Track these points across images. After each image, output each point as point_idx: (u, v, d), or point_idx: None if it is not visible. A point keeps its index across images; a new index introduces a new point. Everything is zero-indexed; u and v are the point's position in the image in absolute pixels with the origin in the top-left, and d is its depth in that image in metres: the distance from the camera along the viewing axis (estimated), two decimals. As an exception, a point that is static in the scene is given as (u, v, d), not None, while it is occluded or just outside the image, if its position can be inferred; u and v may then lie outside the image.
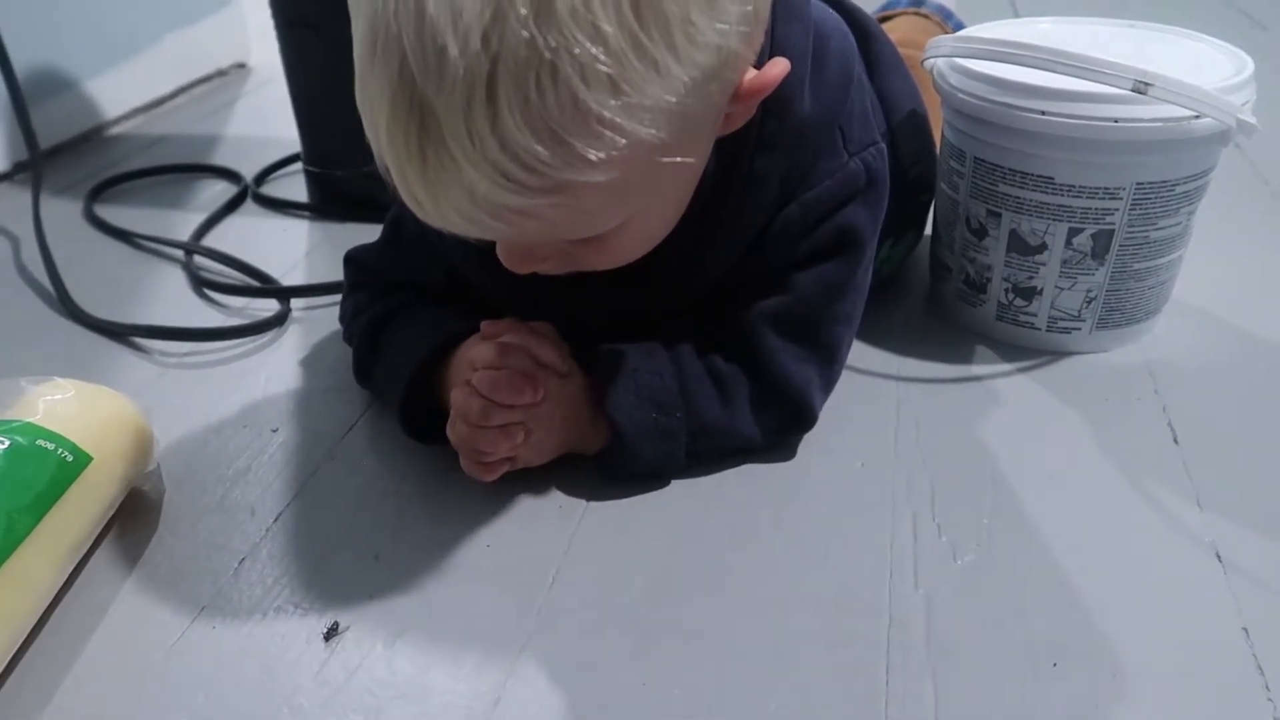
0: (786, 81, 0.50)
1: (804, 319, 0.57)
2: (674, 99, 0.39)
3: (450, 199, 0.40)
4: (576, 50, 0.36)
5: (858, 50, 0.58)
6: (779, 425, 0.58)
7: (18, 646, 0.46)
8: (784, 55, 0.47)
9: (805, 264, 0.56)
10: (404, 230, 0.62)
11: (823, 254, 0.56)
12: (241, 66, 1.34)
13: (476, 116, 0.37)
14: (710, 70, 0.40)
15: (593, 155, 0.38)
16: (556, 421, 0.54)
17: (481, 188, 0.39)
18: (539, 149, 0.38)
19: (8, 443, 0.49)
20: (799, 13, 0.51)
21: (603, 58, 0.37)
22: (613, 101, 0.38)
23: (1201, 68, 0.62)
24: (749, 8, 0.41)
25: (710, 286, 0.57)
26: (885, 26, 0.82)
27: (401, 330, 0.60)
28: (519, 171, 0.38)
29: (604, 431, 0.55)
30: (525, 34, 0.36)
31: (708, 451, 0.57)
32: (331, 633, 0.48)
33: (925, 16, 0.91)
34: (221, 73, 1.31)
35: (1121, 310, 0.66)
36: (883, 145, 0.57)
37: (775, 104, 0.50)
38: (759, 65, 0.46)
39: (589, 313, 0.58)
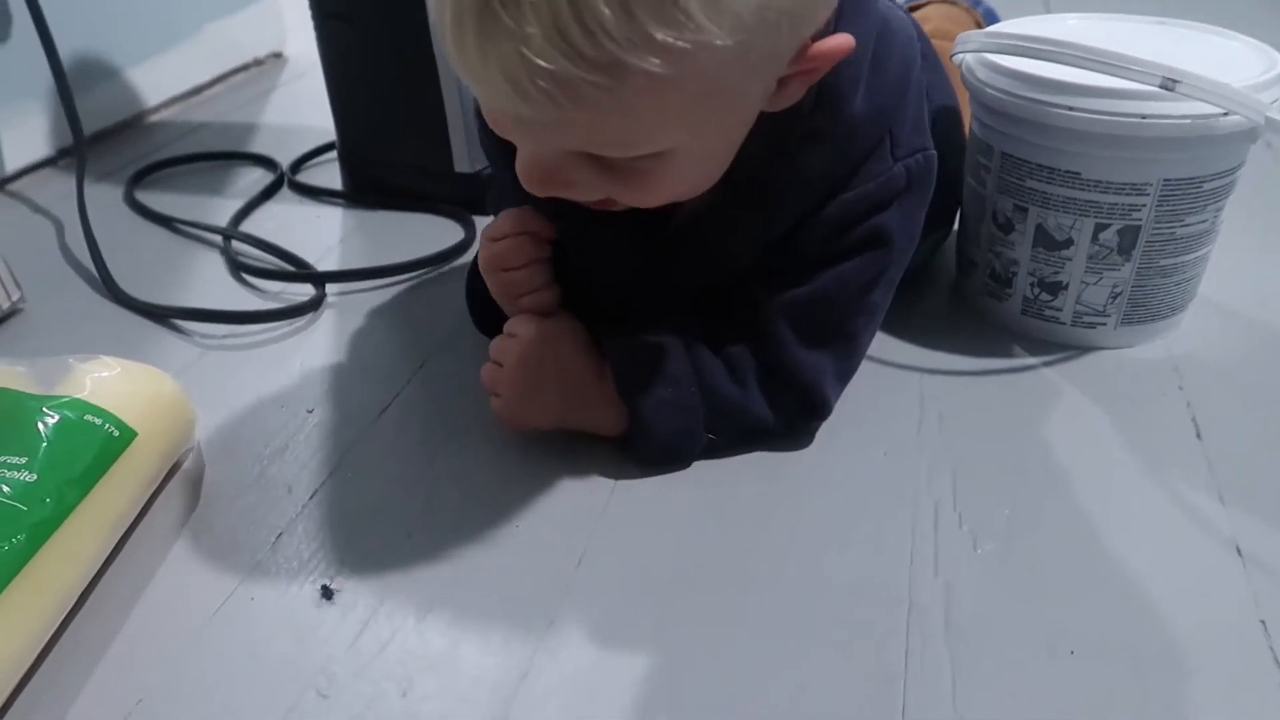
0: (843, 77, 0.49)
1: (821, 311, 0.57)
2: (749, 11, 0.39)
3: (500, 51, 0.38)
4: None
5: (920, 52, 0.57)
6: (790, 412, 0.58)
7: (67, 612, 0.48)
8: None
9: (830, 261, 0.56)
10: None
11: (849, 252, 0.56)
12: (278, 56, 1.36)
13: None
14: None
15: (658, 35, 0.37)
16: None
17: (535, 43, 0.37)
18: (605, 11, 0.37)
19: (57, 417, 0.51)
20: (866, 8, 0.50)
21: None
22: None
23: (1231, 65, 0.62)
24: None
25: (736, 274, 0.58)
26: (917, 16, 0.81)
27: None
28: (578, 32, 0.37)
29: (623, 414, 0.56)
30: None
31: (725, 430, 0.57)
32: (326, 593, 0.50)
33: (955, 4, 0.90)
34: (259, 62, 1.33)
35: (1147, 306, 0.67)
36: (932, 152, 0.56)
37: (829, 98, 0.50)
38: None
39: (611, 278, 0.58)
